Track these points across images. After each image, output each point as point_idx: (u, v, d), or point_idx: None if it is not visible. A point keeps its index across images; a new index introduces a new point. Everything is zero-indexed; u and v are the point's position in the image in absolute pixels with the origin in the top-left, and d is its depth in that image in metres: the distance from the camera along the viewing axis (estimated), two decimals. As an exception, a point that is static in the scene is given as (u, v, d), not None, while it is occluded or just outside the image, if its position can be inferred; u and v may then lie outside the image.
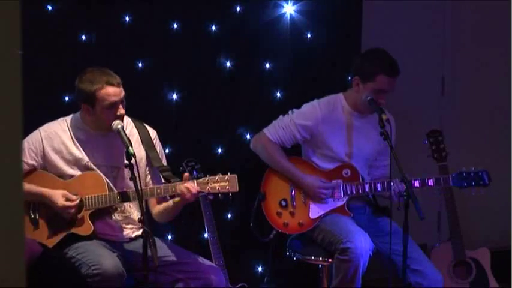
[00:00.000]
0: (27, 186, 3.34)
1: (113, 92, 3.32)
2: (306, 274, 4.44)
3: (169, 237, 4.32)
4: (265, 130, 4.03)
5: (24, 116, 1.39)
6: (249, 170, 4.16)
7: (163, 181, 3.50)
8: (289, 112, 4.03)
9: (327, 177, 3.96)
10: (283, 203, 3.97)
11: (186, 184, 3.33)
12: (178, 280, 3.45)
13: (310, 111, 3.99)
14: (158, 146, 3.58)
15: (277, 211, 3.97)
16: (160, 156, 3.54)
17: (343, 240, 3.70)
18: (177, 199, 3.38)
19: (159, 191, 3.37)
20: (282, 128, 3.98)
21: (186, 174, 3.40)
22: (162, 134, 3.71)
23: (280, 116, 4.04)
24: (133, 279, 3.47)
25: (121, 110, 3.35)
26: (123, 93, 3.36)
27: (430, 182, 3.89)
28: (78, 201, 3.35)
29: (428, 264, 3.85)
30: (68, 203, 3.34)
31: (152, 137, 3.57)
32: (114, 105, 3.33)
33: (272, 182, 4.00)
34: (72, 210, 3.35)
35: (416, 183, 3.83)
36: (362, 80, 3.90)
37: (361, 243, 3.66)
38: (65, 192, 3.36)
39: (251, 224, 4.03)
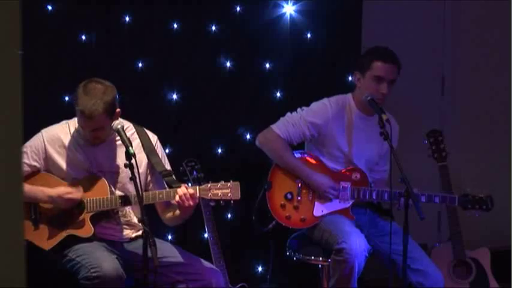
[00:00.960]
0: (29, 188, 3.35)
1: (84, 124, 3.33)
2: (306, 274, 4.44)
3: (169, 237, 4.32)
4: (273, 126, 4.00)
5: (25, 116, 1.39)
6: (248, 170, 4.16)
7: (166, 187, 3.50)
8: (299, 109, 4.01)
9: (337, 178, 3.95)
10: (289, 196, 3.95)
11: (177, 196, 3.31)
12: (178, 282, 3.44)
13: (321, 110, 3.99)
14: (160, 151, 3.57)
15: (281, 203, 3.96)
16: (163, 161, 3.53)
17: (338, 240, 3.70)
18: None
19: (160, 196, 3.37)
20: (292, 124, 3.97)
21: (183, 186, 3.36)
22: (162, 134, 3.71)
23: (288, 113, 4.02)
24: (133, 279, 3.47)
25: (95, 135, 3.36)
26: (96, 124, 3.31)
27: (436, 200, 3.91)
28: (80, 194, 3.36)
29: (429, 263, 3.85)
30: (73, 196, 3.35)
31: (153, 142, 3.56)
32: (89, 132, 3.35)
33: (280, 173, 3.98)
34: (77, 200, 3.36)
35: (423, 199, 3.83)
36: (361, 72, 3.94)
37: (356, 244, 3.66)
38: (67, 190, 3.37)
39: (253, 217, 4.01)
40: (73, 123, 3.49)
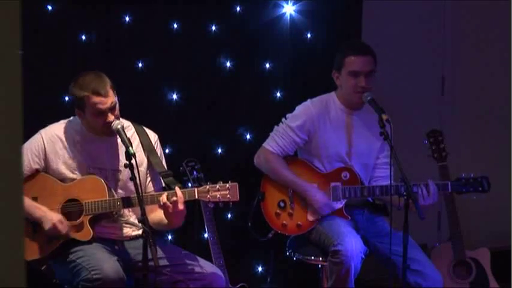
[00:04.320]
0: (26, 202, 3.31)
1: (99, 101, 3.30)
2: (306, 274, 4.44)
3: (169, 237, 4.32)
4: (265, 144, 4.00)
5: (24, 116, 1.39)
6: (249, 170, 4.16)
7: (163, 185, 3.49)
8: (283, 119, 4.01)
9: (326, 179, 3.94)
10: (282, 204, 3.96)
11: (166, 200, 3.26)
12: (178, 281, 3.44)
13: (303, 111, 3.98)
14: (159, 151, 3.56)
15: (275, 212, 3.97)
16: (162, 162, 3.52)
17: (334, 242, 3.70)
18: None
19: (159, 198, 3.36)
20: (280, 137, 3.96)
21: (177, 188, 3.32)
22: (162, 134, 3.71)
23: (275, 127, 4.01)
24: (133, 279, 3.46)
25: (109, 118, 3.32)
26: (110, 101, 3.31)
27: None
28: (66, 231, 3.33)
29: (428, 264, 3.84)
30: (58, 226, 3.32)
31: (153, 142, 3.54)
32: (101, 114, 3.31)
33: (271, 182, 3.99)
34: (61, 232, 3.33)
35: (415, 189, 3.74)
36: (338, 70, 3.93)
37: (352, 245, 3.65)
38: (61, 219, 3.34)
39: (249, 224, 4.02)
40: (71, 123, 3.49)
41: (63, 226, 3.32)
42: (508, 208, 4.92)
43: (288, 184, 3.94)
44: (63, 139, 3.45)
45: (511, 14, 4.94)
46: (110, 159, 3.47)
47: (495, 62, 5.29)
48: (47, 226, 3.32)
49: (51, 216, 3.33)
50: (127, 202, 3.37)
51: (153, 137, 3.57)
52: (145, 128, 3.58)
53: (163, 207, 3.28)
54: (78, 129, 3.45)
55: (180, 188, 3.33)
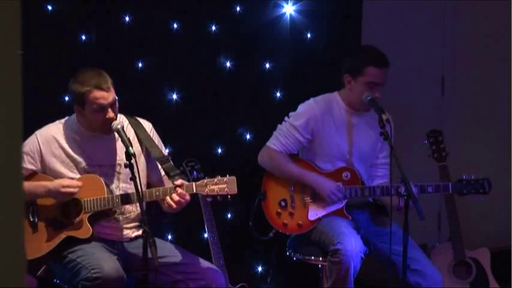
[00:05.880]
0: (27, 184, 3.33)
1: (101, 96, 3.30)
2: (306, 274, 4.44)
3: (169, 237, 4.32)
4: (268, 143, 3.99)
5: (24, 116, 1.39)
6: (249, 170, 4.16)
7: (162, 173, 3.49)
8: (286, 118, 4.00)
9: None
10: (283, 204, 3.96)
11: (170, 200, 3.31)
12: (178, 281, 3.44)
13: (307, 110, 3.97)
14: (155, 137, 3.55)
15: (276, 211, 3.97)
16: (160, 147, 3.52)
17: (334, 241, 3.69)
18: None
19: (157, 193, 3.36)
20: (284, 136, 3.95)
21: (178, 182, 3.34)
22: (162, 133, 3.71)
23: (279, 125, 4.01)
24: (133, 279, 3.46)
25: (110, 114, 3.32)
26: (112, 97, 3.32)
27: (429, 189, 3.86)
28: (76, 187, 3.33)
29: (428, 264, 3.85)
30: (67, 190, 3.32)
31: (148, 130, 3.54)
32: (102, 109, 3.31)
33: (272, 182, 4.00)
34: (74, 192, 3.33)
35: (415, 190, 3.74)
36: (352, 76, 3.88)
37: (352, 245, 3.65)
38: (63, 182, 3.35)
39: (250, 223, 4.02)
40: (67, 122, 3.48)
41: (72, 186, 3.32)
42: (508, 208, 4.91)
43: (295, 177, 3.93)
44: (60, 139, 3.44)
45: (511, 14, 4.95)
46: (109, 155, 3.46)
47: (495, 62, 5.28)
48: (58, 197, 3.33)
49: (55, 186, 3.33)
50: (126, 199, 3.37)
51: (147, 125, 3.57)
52: (138, 118, 3.57)
53: (168, 204, 3.32)
54: (75, 128, 3.45)
55: (181, 178, 3.36)
